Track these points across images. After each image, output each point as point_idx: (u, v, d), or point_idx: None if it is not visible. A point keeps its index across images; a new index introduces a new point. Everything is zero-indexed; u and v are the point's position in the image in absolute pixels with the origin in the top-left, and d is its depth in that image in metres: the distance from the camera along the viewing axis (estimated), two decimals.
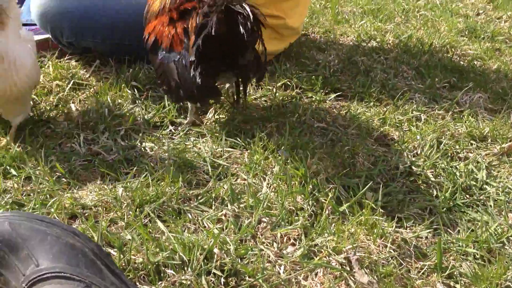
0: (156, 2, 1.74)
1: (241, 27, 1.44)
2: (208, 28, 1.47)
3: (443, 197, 1.52)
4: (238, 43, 1.53)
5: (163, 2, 1.72)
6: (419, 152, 1.71)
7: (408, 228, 1.42)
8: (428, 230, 1.40)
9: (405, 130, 1.84)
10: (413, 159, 1.68)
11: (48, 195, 1.39)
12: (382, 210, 1.44)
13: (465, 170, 1.64)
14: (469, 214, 1.48)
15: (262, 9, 1.61)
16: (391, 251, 1.32)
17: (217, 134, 1.71)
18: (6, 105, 1.54)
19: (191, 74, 1.55)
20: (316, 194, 1.47)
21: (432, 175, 1.61)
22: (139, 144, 1.65)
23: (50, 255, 0.91)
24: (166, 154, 1.59)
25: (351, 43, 2.57)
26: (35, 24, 2.14)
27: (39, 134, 1.64)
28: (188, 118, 1.78)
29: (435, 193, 1.55)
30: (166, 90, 1.74)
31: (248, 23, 1.44)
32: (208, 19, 1.49)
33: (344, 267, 1.26)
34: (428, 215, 1.47)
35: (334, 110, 1.95)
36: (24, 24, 2.15)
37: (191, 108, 1.77)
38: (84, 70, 2.04)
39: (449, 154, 1.73)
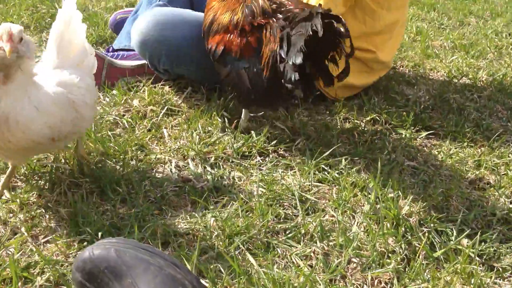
0: (223, 16, 1.80)
1: (342, 29, 1.56)
2: (310, 30, 1.52)
3: None
4: (329, 48, 1.62)
5: (235, 17, 1.77)
6: None
7: (506, 280, 1.34)
8: None
9: (502, 174, 1.75)
10: (511, 206, 1.59)
11: (142, 220, 1.42)
12: (478, 259, 1.37)
13: None
14: None
15: (354, 41, 1.62)
16: None
17: (305, 167, 1.69)
18: (17, 155, 1.43)
19: (289, 77, 1.58)
20: (409, 237, 1.41)
21: None
22: (228, 173, 1.67)
23: (152, 285, 0.93)
24: (255, 185, 1.59)
25: (441, 78, 2.50)
26: (132, 50, 2.23)
27: (133, 157, 1.69)
28: (241, 123, 1.88)
29: None
30: (235, 96, 1.83)
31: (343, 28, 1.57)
32: (307, 23, 1.55)
33: None
34: None
35: (425, 148, 1.89)
36: (122, 50, 2.26)
37: (245, 114, 1.87)
38: (177, 96, 2.09)
39: None
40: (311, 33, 1.52)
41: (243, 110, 1.88)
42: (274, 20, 1.71)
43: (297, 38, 1.58)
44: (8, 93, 1.27)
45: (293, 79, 1.56)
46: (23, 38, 1.25)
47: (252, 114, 1.94)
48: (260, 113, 1.97)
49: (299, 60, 1.54)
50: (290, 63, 1.57)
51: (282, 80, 1.61)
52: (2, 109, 1.25)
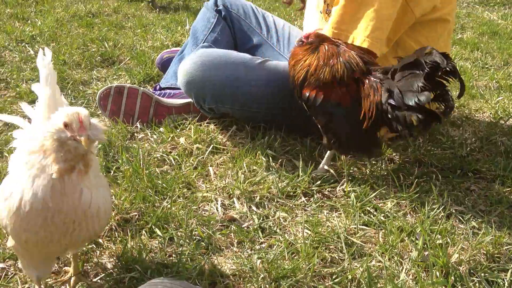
0: (321, 71, 1.79)
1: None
2: (426, 66, 1.59)
3: None
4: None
5: (337, 74, 1.77)
6: None
7: None
8: None
9: None
10: None
11: (189, 258, 1.43)
12: None
13: None
14: None
15: None
16: None
17: (351, 209, 1.69)
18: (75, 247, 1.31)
19: (409, 120, 1.62)
20: (459, 287, 1.38)
21: None
22: (273, 213, 1.67)
23: None
24: (300, 226, 1.59)
25: (487, 119, 2.47)
26: (178, 88, 2.29)
27: (180, 195, 1.72)
28: (321, 166, 1.90)
29: None
30: (334, 142, 1.84)
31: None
32: (415, 65, 1.63)
33: None
34: None
35: (473, 193, 1.86)
36: (168, 88, 2.32)
37: (328, 158, 1.89)
38: (222, 134, 2.13)
39: None
40: (428, 69, 1.58)
41: (327, 153, 1.91)
42: (371, 74, 1.77)
43: (411, 80, 1.62)
44: (90, 180, 1.15)
45: (415, 121, 1.59)
46: (90, 121, 1.12)
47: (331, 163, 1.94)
48: (356, 157, 1.97)
49: (423, 98, 1.58)
50: (412, 103, 1.59)
51: (397, 127, 1.66)
52: (90, 199, 1.13)
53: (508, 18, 4.70)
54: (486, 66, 3.36)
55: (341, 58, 1.78)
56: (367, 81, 1.75)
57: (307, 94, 1.80)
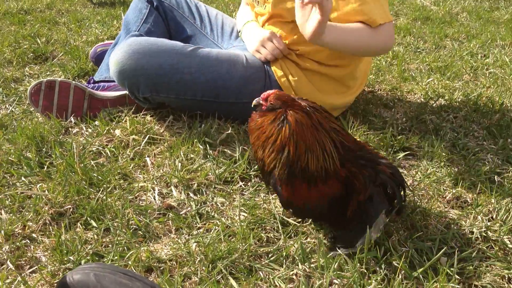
0: (305, 160, 1.42)
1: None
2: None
3: None
4: None
5: (325, 163, 1.43)
6: (494, 216, 1.66)
7: None
8: None
9: (479, 192, 1.79)
10: (489, 223, 1.63)
11: (125, 247, 1.43)
12: (457, 277, 1.40)
13: None
14: None
15: (331, 59, 1.68)
16: None
17: None
18: None
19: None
20: (389, 257, 1.44)
21: (510, 241, 1.55)
22: (210, 199, 1.69)
23: None
24: (237, 209, 1.61)
25: (418, 100, 2.56)
26: (113, 81, 2.27)
27: (116, 186, 1.71)
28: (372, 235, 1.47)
29: None
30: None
31: None
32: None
33: None
34: (507, 284, 1.41)
35: (404, 169, 1.93)
36: (102, 81, 2.29)
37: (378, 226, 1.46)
38: (159, 125, 2.12)
39: None
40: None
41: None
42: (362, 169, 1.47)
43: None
44: None
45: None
46: None
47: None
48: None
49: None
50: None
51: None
52: None
53: (440, 4, 4.87)
54: (418, 50, 3.48)
55: (323, 139, 1.43)
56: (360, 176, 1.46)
57: (286, 193, 1.45)
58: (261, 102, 1.50)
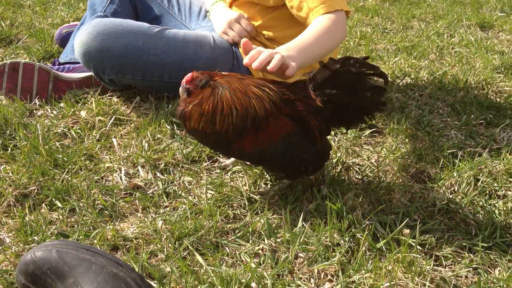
0: (254, 108, 1.47)
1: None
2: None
3: (482, 236, 1.49)
4: None
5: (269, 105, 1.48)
6: (456, 190, 1.70)
7: (447, 267, 1.40)
8: (467, 269, 1.38)
9: (442, 167, 1.83)
10: (451, 196, 1.67)
11: (91, 227, 1.43)
12: (420, 248, 1.43)
13: (504, 208, 1.62)
14: (510, 254, 1.46)
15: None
16: None
17: (254, 170, 1.74)
18: None
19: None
20: (353, 230, 1.47)
21: (471, 213, 1.59)
22: (178, 178, 1.69)
23: (95, 284, 0.94)
24: (204, 188, 1.62)
25: None
26: (78, 62, 2.24)
27: (82, 167, 1.70)
28: (276, 188, 1.64)
29: (474, 231, 1.52)
30: (289, 172, 1.62)
31: None
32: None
33: None
34: (467, 253, 1.45)
35: (370, 146, 1.96)
36: (68, 63, 2.26)
37: (285, 182, 1.65)
38: (125, 106, 2.11)
39: (487, 192, 1.71)
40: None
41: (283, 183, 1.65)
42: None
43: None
44: None
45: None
46: None
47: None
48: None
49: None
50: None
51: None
52: None
53: None
54: (386, 31, 3.52)
55: (254, 90, 1.48)
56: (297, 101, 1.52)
57: (249, 144, 1.48)
58: (187, 86, 1.49)
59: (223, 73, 1.53)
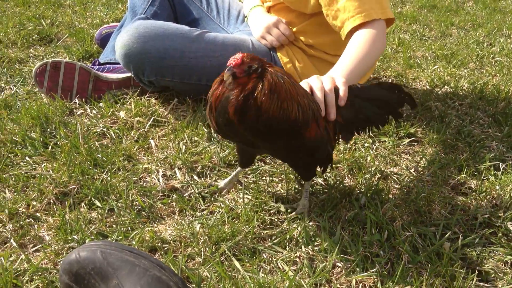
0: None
1: None
2: None
3: None
4: None
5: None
6: (498, 203, 1.66)
7: (489, 282, 1.37)
8: (510, 286, 1.34)
9: (483, 179, 1.79)
10: (493, 210, 1.62)
11: (129, 228, 1.44)
12: (461, 262, 1.40)
13: None
14: None
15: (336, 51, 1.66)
16: None
17: (291, 175, 1.72)
18: None
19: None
20: (392, 241, 1.44)
21: None
22: (214, 181, 1.69)
23: (138, 286, 0.95)
24: (241, 192, 1.61)
25: (424, 88, 2.55)
26: (118, 63, 2.26)
27: (120, 167, 1.71)
28: (303, 204, 1.57)
29: None
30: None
31: None
32: None
33: None
34: (509, 269, 1.41)
35: (408, 155, 1.93)
36: (108, 63, 2.29)
37: (308, 188, 1.57)
38: (163, 107, 2.12)
39: None
40: None
41: (305, 186, 1.57)
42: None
43: None
44: None
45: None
46: None
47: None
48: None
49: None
50: None
51: None
52: None
53: None
54: (424, 38, 3.46)
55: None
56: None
57: (313, 132, 1.40)
58: (234, 70, 1.28)
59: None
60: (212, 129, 1.59)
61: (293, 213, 1.55)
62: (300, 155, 1.45)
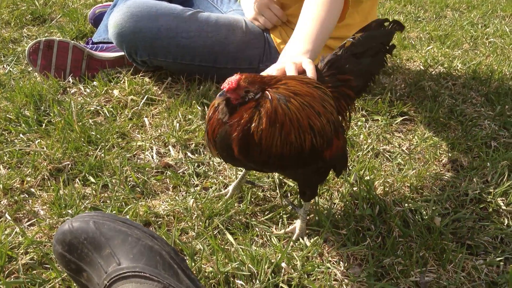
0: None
1: None
2: None
3: None
4: None
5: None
6: (489, 179, 1.67)
7: (478, 256, 1.39)
8: (499, 259, 1.36)
9: (475, 157, 1.80)
10: (483, 186, 1.64)
11: (123, 203, 1.45)
12: (451, 236, 1.42)
13: None
14: None
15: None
16: (461, 278, 1.29)
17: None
18: None
19: None
20: (384, 216, 1.46)
21: (503, 203, 1.57)
22: (208, 158, 1.70)
23: (131, 255, 0.96)
24: (234, 169, 1.62)
25: (417, 68, 2.56)
26: (111, 42, 2.25)
27: (114, 145, 1.72)
28: (301, 228, 1.40)
29: (506, 221, 1.50)
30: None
31: None
32: None
33: None
34: (499, 243, 1.43)
35: (401, 134, 1.94)
36: (101, 42, 2.28)
37: (308, 210, 1.41)
38: (157, 86, 2.12)
39: None
40: None
41: (304, 207, 1.39)
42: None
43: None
44: None
45: None
46: None
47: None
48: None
49: None
50: None
51: None
52: None
53: None
54: (419, 19, 3.46)
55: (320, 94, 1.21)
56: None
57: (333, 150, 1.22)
58: (228, 95, 1.11)
59: (270, 75, 1.22)
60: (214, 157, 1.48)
61: (289, 234, 1.40)
62: (318, 174, 1.30)
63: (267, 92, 1.12)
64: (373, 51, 1.43)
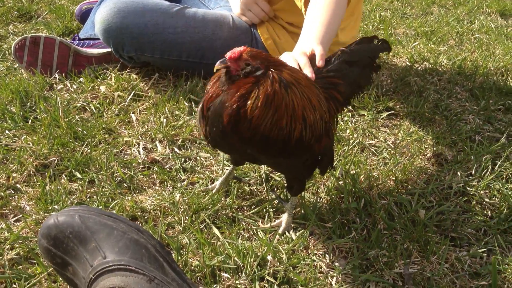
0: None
1: None
2: None
3: (498, 219, 1.49)
4: None
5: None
6: (473, 173, 1.70)
7: (462, 248, 1.41)
8: (482, 250, 1.38)
9: (459, 151, 1.82)
10: (467, 179, 1.66)
11: (110, 198, 1.45)
12: (435, 228, 1.44)
13: None
14: None
15: None
16: (445, 269, 1.31)
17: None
18: None
19: None
20: (369, 209, 1.47)
21: (487, 196, 1.59)
22: (195, 153, 1.70)
23: (116, 249, 0.96)
24: (221, 164, 1.63)
25: (403, 64, 2.58)
26: (98, 39, 2.25)
27: (101, 140, 1.72)
28: (287, 222, 1.41)
29: (489, 214, 1.53)
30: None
31: None
32: None
33: (397, 282, 1.26)
34: (482, 235, 1.45)
35: (387, 128, 1.96)
36: (88, 38, 2.27)
37: (295, 204, 1.42)
38: (144, 82, 2.12)
39: (504, 176, 1.70)
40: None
41: (291, 201, 1.41)
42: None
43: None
44: None
45: None
46: None
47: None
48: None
49: None
50: None
51: None
52: None
53: None
54: (405, 16, 3.48)
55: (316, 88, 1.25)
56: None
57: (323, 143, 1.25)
58: (228, 64, 1.14)
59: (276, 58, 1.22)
60: (202, 137, 1.36)
61: (275, 228, 1.40)
62: (305, 168, 1.31)
63: (270, 72, 1.13)
64: (362, 63, 1.45)
